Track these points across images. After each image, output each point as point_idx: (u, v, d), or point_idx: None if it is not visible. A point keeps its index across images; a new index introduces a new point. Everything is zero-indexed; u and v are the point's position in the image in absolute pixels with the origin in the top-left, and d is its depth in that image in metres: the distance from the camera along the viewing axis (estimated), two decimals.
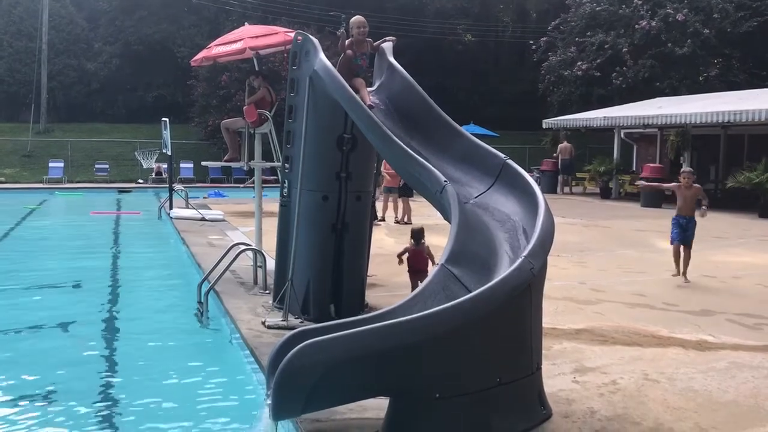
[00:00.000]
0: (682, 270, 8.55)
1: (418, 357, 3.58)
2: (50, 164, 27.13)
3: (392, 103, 5.98)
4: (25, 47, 33.34)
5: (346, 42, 6.22)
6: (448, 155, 5.44)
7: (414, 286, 6.71)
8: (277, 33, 8.65)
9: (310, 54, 6.10)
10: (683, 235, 8.54)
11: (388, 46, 6.33)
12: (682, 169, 8.74)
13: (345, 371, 3.50)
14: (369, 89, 6.08)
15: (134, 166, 28.46)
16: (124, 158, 29.56)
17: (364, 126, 5.41)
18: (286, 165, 6.60)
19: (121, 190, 24.89)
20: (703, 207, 8.48)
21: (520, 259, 4.03)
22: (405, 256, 7.14)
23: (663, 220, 16.09)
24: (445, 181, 4.79)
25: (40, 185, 25.60)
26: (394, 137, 5.21)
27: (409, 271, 7.13)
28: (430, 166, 4.96)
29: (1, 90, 33.51)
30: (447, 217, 4.77)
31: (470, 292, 4.02)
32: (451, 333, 3.60)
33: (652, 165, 20.29)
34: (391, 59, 6.19)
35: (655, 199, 19.11)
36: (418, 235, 7.03)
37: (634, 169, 23.95)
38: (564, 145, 23.68)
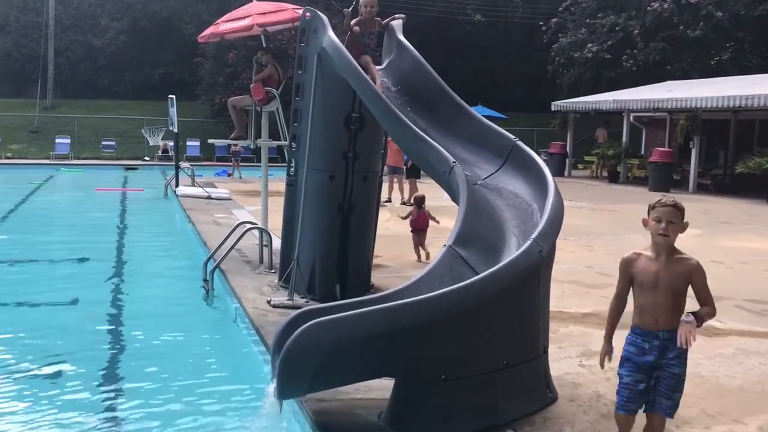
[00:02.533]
0: None
1: (425, 338, 3.55)
2: (57, 140, 27.09)
3: (401, 82, 5.91)
4: (31, 22, 33.18)
5: (354, 20, 6.14)
6: (457, 135, 5.38)
7: (416, 243, 8.58)
8: (285, 9, 8.54)
9: (318, 31, 6.01)
10: (643, 385, 3.44)
11: (397, 23, 6.25)
12: (656, 201, 3.46)
13: (351, 351, 3.48)
14: (377, 67, 6.01)
15: (141, 144, 28.43)
16: (130, 135, 29.51)
17: (372, 105, 5.34)
18: (293, 144, 6.54)
19: (128, 167, 24.87)
20: (686, 318, 3.30)
21: (529, 242, 3.99)
22: (409, 219, 8.72)
23: None
24: (453, 161, 4.74)
25: (47, 161, 25.60)
26: (403, 116, 5.14)
27: (411, 231, 8.68)
28: (439, 146, 4.90)
29: (8, 65, 33.42)
30: (455, 198, 4.72)
31: (477, 274, 3.99)
32: (458, 315, 3.57)
33: (661, 149, 20.15)
34: (401, 37, 6.11)
35: (664, 183, 18.98)
36: (420, 201, 8.61)
37: (642, 153, 23.80)
38: (601, 129, 25.05)
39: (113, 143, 28.04)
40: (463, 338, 3.63)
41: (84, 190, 18.94)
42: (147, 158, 27.41)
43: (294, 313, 3.85)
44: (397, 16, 6.31)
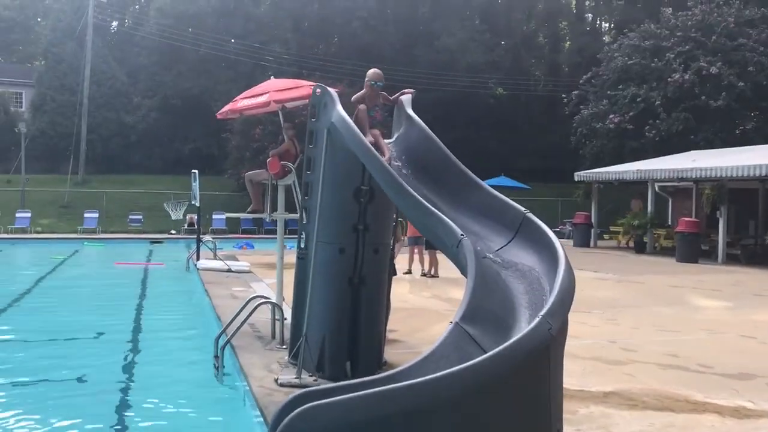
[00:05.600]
0: None
1: (424, 424, 3.34)
2: (85, 215, 27.62)
3: (410, 154, 5.87)
4: (67, 101, 34.52)
5: (357, 96, 6.21)
6: (466, 208, 5.27)
7: None
8: (302, 86, 8.66)
9: (327, 106, 6.05)
10: None
11: (406, 98, 6.27)
12: None
13: None
14: (387, 141, 6.00)
15: (167, 217, 28.87)
16: (158, 209, 30.00)
17: (379, 178, 5.28)
18: (304, 217, 6.49)
19: (153, 241, 25.13)
20: None
21: (537, 319, 3.79)
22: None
23: (700, 275, 15.62)
24: (461, 234, 4.61)
25: (74, 235, 25.99)
26: (411, 189, 5.06)
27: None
28: (447, 219, 4.79)
29: (43, 142, 34.57)
30: (463, 272, 4.57)
31: (485, 352, 3.79)
32: (459, 398, 3.36)
33: (687, 219, 19.80)
34: (410, 111, 6.11)
35: (692, 254, 18.56)
36: None
37: (669, 223, 23.44)
38: (636, 200, 24.54)
39: (140, 217, 28.48)
40: (465, 424, 3.41)
41: (105, 265, 19.06)
42: (173, 231, 27.73)
43: (292, 394, 3.68)
44: (406, 91, 6.34)
